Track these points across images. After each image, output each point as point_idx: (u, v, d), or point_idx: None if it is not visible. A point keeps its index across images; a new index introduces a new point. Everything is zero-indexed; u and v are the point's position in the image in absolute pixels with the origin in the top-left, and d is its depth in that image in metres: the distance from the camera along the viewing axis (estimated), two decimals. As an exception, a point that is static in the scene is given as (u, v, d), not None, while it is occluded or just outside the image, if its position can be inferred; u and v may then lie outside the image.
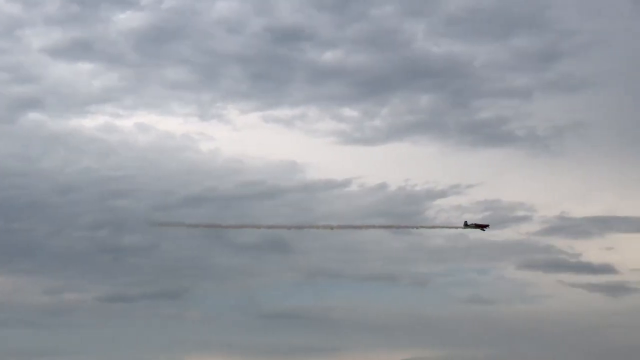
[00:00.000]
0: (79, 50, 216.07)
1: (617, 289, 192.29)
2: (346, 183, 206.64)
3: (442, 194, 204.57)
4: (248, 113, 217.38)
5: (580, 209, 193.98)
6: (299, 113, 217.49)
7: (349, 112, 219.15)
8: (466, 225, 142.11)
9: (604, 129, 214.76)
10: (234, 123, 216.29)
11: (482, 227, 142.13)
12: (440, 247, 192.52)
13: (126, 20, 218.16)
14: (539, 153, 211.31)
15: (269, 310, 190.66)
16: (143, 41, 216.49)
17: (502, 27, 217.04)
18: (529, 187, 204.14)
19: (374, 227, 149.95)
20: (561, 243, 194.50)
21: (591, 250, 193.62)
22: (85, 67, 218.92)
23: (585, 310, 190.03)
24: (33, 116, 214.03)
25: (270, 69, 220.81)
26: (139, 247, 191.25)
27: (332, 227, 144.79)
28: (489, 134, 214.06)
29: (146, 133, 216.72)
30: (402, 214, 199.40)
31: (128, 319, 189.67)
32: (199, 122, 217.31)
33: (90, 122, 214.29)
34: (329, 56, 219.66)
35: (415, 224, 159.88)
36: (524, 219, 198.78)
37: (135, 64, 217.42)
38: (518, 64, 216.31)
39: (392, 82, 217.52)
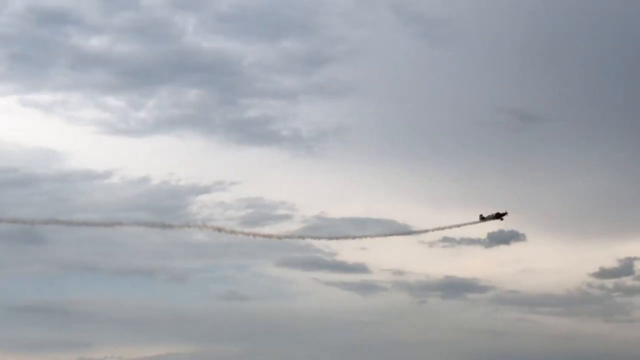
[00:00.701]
0: None
1: (369, 288, 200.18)
2: (107, 174, 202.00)
3: (206, 189, 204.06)
4: (5, 96, 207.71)
5: (338, 210, 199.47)
6: (59, 99, 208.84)
7: (113, 101, 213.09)
8: (482, 218, 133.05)
9: (364, 133, 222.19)
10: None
11: (500, 216, 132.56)
12: (200, 242, 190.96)
13: None
14: (302, 154, 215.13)
15: (15, 303, 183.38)
16: None
17: (272, 29, 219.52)
18: (291, 186, 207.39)
19: (136, 224, 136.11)
20: (318, 242, 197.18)
21: (346, 250, 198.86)
22: None
23: (339, 307, 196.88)
24: None
25: (31, 51, 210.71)
26: None
27: (79, 224, 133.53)
28: (255, 133, 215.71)
29: None
30: (164, 208, 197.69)
31: None
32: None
33: None
34: (95, 42, 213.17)
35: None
36: (285, 217, 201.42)
37: None
38: (286, 65, 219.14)
39: (159, 74, 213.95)
